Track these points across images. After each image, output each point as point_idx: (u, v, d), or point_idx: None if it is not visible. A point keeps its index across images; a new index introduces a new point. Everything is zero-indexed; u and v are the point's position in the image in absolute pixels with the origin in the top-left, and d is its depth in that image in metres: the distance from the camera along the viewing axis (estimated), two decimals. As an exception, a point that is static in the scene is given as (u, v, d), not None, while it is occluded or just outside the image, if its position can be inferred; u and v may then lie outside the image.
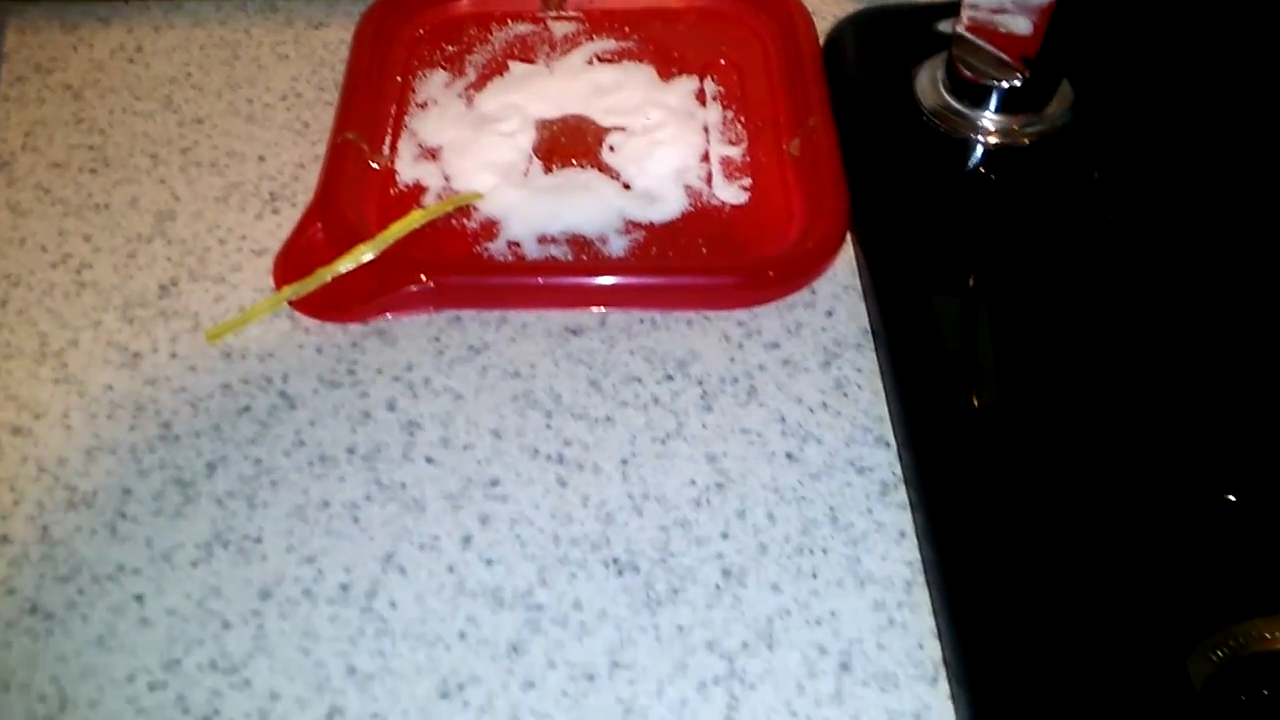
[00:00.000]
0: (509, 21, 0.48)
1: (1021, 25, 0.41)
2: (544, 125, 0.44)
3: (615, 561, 0.32)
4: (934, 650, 0.30)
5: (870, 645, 0.31)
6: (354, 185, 0.40)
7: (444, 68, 0.46)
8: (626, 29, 0.47)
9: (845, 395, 0.36)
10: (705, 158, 0.42)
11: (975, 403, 0.38)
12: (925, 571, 0.32)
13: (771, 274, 0.38)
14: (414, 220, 0.37)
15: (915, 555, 0.32)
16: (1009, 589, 0.32)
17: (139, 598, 0.31)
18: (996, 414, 0.38)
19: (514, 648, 0.30)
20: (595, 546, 0.32)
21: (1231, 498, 0.46)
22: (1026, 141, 0.42)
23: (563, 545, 0.32)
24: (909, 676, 0.30)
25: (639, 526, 0.33)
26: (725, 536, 0.33)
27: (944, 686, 0.30)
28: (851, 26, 0.49)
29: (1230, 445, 0.46)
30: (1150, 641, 0.37)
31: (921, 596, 0.32)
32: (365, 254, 0.36)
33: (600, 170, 0.42)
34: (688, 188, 0.41)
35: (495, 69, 0.46)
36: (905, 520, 0.33)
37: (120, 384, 0.36)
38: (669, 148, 0.42)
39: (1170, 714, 0.36)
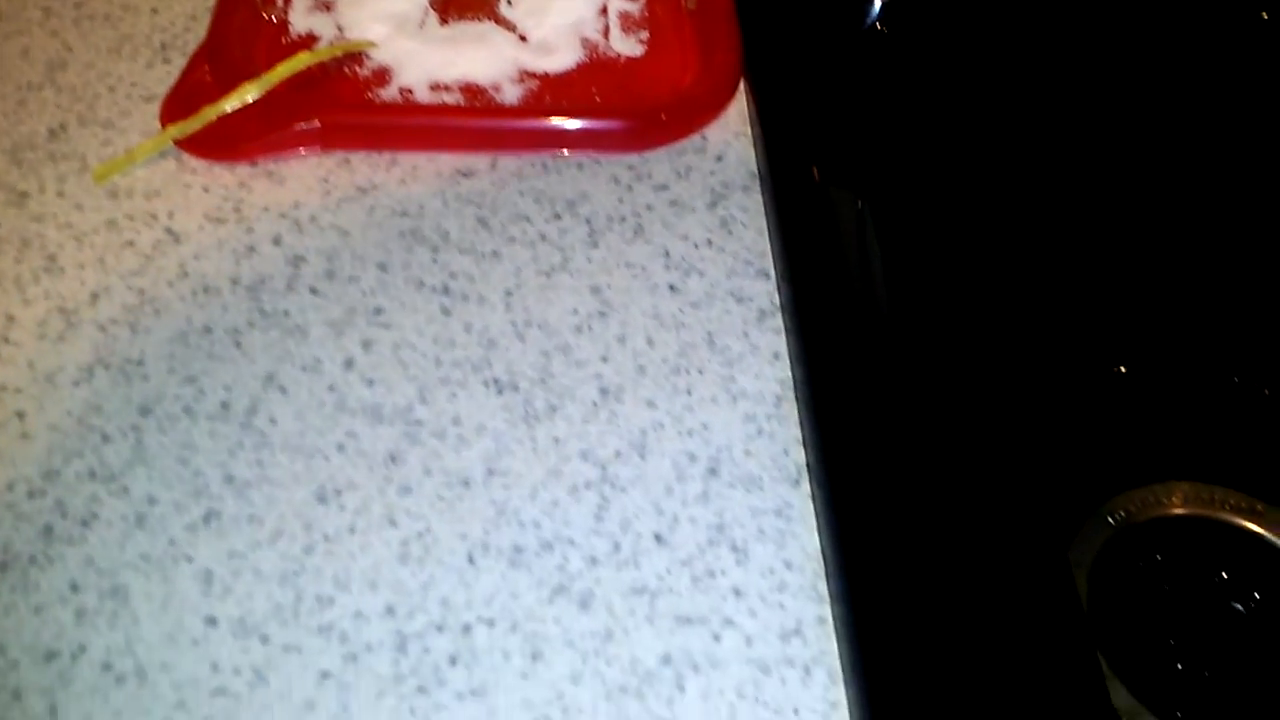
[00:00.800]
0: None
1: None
2: (442, -20, 0.44)
3: (496, 382, 0.33)
4: (798, 456, 0.32)
5: (738, 452, 0.32)
6: (244, 31, 0.40)
7: (345, -73, 0.46)
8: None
9: (730, 233, 0.37)
10: (604, 11, 0.42)
11: (856, 239, 0.39)
12: (795, 389, 0.34)
13: (663, 118, 0.38)
14: (300, 61, 0.37)
15: (787, 374, 0.34)
16: (873, 402, 0.34)
17: (20, 414, 0.31)
18: (877, 249, 0.40)
19: (391, 458, 0.31)
20: (476, 368, 0.33)
21: (1122, 369, 0.48)
22: (918, -6, 0.43)
23: (444, 367, 0.33)
24: (773, 479, 0.31)
25: (520, 351, 0.34)
26: (605, 360, 0.34)
27: (805, 487, 0.31)
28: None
29: (1119, 317, 0.48)
30: (1024, 493, 0.39)
31: (790, 410, 0.33)
32: (250, 93, 0.36)
33: (497, 23, 0.42)
34: (584, 40, 0.41)
35: (397, -71, 0.46)
36: (780, 344, 0.34)
37: (6, 220, 0.36)
38: (567, 1, 0.42)
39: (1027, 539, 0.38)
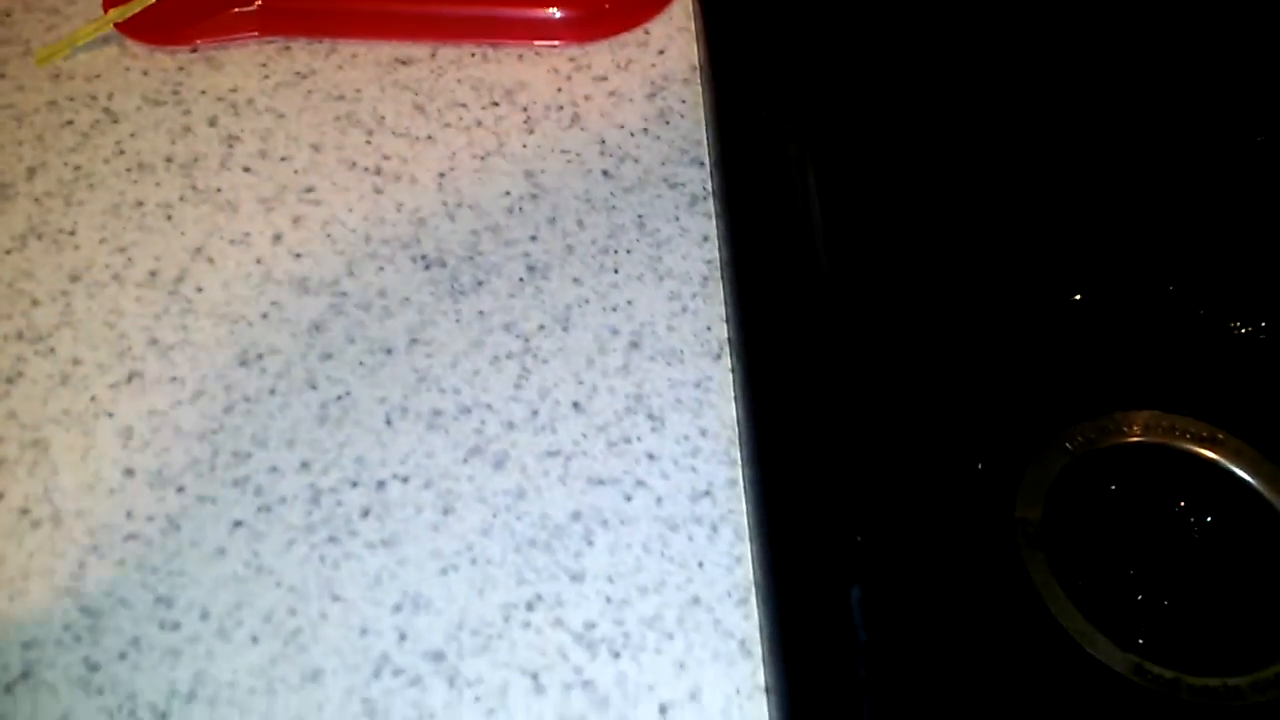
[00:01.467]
0: None
1: None
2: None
3: (424, 258, 0.33)
4: (721, 332, 0.32)
5: (661, 328, 0.32)
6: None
7: None
8: None
9: (667, 123, 0.37)
10: (552, -90, 0.43)
11: (793, 132, 0.39)
12: (721, 269, 0.34)
13: (606, 8, 0.38)
14: (242, -53, 0.37)
15: (715, 256, 0.34)
16: (798, 284, 0.34)
17: (-50, 280, 0.32)
18: (816, 143, 0.39)
19: (315, 326, 0.31)
20: (405, 245, 0.33)
21: (1077, 296, 0.48)
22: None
23: (373, 244, 0.33)
24: (694, 353, 0.31)
25: (450, 230, 0.34)
26: (534, 239, 0.34)
27: (726, 361, 0.31)
28: None
29: (1073, 245, 0.47)
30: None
31: (715, 290, 0.33)
32: (190, -24, 0.37)
33: (445, -80, 0.42)
34: (531, -63, 0.42)
35: None
36: (709, 227, 0.34)
37: (-55, 102, 0.36)
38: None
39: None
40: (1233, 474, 0.47)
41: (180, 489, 0.28)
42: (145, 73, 0.37)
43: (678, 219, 0.34)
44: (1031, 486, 0.47)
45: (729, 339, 0.32)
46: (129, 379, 0.30)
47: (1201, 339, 0.50)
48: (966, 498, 0.43)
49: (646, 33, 0.39)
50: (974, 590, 0.39)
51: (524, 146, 0.36)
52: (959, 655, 0.36)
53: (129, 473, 0.28)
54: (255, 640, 0.26)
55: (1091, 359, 0.49)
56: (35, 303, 0.31)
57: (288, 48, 0.38)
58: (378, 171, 0.35)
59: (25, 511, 0.27)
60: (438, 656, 0.26)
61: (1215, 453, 0.47)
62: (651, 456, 0.29)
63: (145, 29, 0.37)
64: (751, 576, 0.27)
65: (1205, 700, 0.41)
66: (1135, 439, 0.49)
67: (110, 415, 0.29)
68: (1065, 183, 0.49)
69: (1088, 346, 0.49)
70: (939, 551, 0.37)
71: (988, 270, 0.47)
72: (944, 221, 0.45)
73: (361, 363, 0.31)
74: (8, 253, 0.32)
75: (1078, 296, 0.50)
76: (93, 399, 0.29)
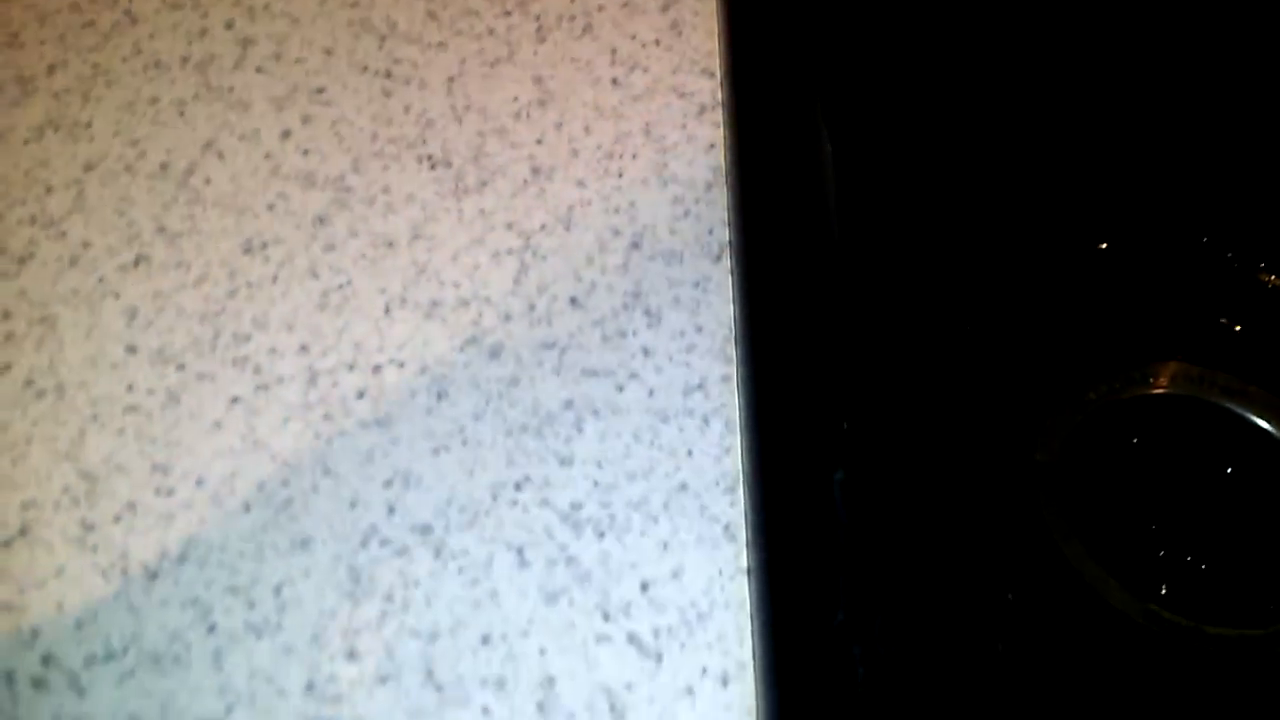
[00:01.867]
0: None
1: None
2: None
3: (429, 158, 0.33)
4: (722, 235, 0.32)
5: (663, 230, 0.32)
6: None
7: None
8: None
9: (680, 34, 0.37)
10: None
11: (808, 46, 0.38)
12: (726, 175, 0.33)
13: (619, -75, 0.38)
14: None
15: (720, 163, 0.33)
16: (801, 186, 0.34)
17: (-31, 167, 0.33)
18: (832, 57, 0.39)
19: (320, 219, 0.32)
20: (411, 145, 0.34)
21: (1103, 245, 0.47)
22: None
23: (379, 142, 0.34)
24: (694, 254, 0.31)
25: (456, 131, 0.34)
26: (540, 142, 0.34)
27: (725, 263, 0.31)
28: None
29: (1102, 192, 0.46)
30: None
31: (719, 195, 0.33)
32: (210, -118, 0.37)
33: None
34: None
35: None
36: (716, 136, 0.34)
37: (-28, 3, 0.37)
38: None
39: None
40: (1260, 427, 0.46)
41: (181, 366, 0.28)
42: (165, -22, 0.38)
43: (685, 127, 0.34)
44: (1051, 432, 0.47)
45: (730, 242, 0.32)
46: (136, 263, 0.30)
47: (1234, 290, 0.48)
48: (982, 436, 0.42)
49: (662, -53, 0.39)
50: (979, 516, 0.39)
51: (535, 54, 0.36)
52: (943, 562, 0.36)
53: (132, 349, 0.29)
54: (248, 508, 0.26)
55: (1119, 309, 0.48)
56: (49, 189, 0.32)
57: (305, -44, 0.38)
58: (388, 75, 0.35)
59: (30, 383, 0.28)
60: (425, 530, 0.26)
61: (1243, 406, 0.46)
62: (646, 351, 0.29)
63: (166, -65, 0.38)
64: (740, 466, 0.27)
65: (1222, 651, 0.40)
66: (1161, 390, 0.48)
67: (116, 296, 0.30)
68: (1095, 125, 0.48)
69: (1116, 296, 0.48)
70: (947, 476, 0.37)
71: (1008, 210, 0.46)
72: (957, 151, 0.44)
73: (363, 255, 0.31)
74: (26, 143, 0.33)
75: (1104, 245, 0.49)
76: (100, 280, 0.30)
